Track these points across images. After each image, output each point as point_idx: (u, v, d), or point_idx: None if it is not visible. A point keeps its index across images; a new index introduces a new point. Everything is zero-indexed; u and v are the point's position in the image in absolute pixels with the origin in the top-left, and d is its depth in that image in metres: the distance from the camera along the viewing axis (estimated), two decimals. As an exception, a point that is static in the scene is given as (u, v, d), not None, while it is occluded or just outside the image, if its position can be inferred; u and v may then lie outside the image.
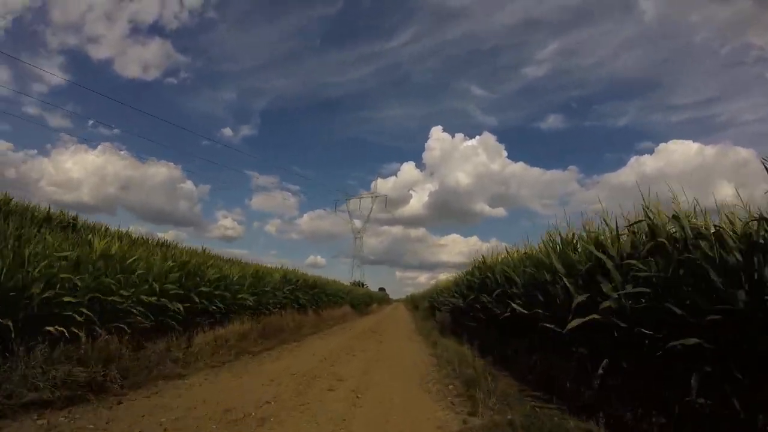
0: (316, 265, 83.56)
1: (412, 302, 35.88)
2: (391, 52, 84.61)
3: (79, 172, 65.42)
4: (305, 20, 78.46)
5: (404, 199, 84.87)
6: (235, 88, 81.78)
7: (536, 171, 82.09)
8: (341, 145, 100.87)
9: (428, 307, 20.01)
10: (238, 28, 73.60)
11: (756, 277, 2.67)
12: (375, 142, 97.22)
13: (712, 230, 3.07)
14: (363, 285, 52.79)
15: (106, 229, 10.34)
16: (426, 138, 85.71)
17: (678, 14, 61.38)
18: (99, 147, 66.20)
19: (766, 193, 2.79)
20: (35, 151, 70.67)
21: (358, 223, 61.36)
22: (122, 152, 66.98)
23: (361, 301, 28.08)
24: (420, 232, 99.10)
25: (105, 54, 67.21)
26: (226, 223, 75.66)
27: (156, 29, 66.99)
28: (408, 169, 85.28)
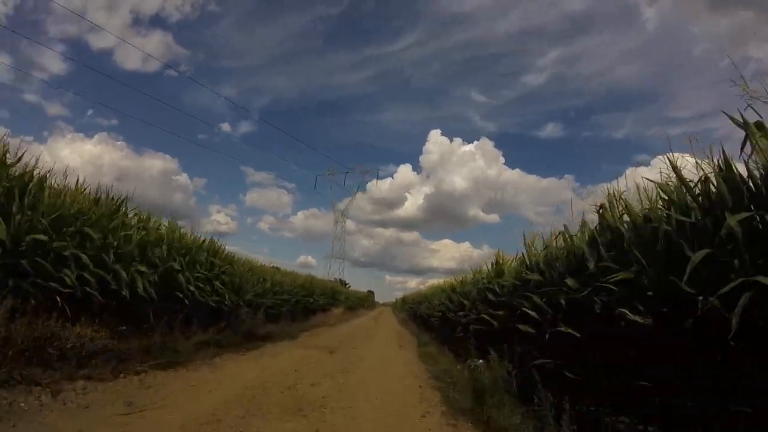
0: (306, 265, 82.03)
1: (405, 308, 28.12)
2: (394, 55, 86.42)
3: (75, 161, 63.35)
4: (308, 20, 79.24)
5: (399, 201, 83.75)
6: (235, 85, 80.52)
7: (532, 178, 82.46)
8: (340, 145, 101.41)
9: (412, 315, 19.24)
10: (240, 24, 73.82)
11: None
12: (374, 145, 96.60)
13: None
14: (346, 284, 46.95)
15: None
16: (424, 141, 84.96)
17: (678, 25, 60.79)
18: (96, 137, 66.66)
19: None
20: (31, 137, 68.42)
21: (342, 206, 55.07)
22: (119, 142, 67.41)
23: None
24: (413, 235, 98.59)
25: (106, 44, 66.39)
26: (220, 218, 74.23)
27: (158, 21, 65.66)
28: (404, 171, 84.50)
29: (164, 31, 68.60)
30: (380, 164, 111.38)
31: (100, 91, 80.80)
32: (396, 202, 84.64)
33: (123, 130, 77.30)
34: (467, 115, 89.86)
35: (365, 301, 46.89)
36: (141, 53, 64.86)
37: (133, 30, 63.10)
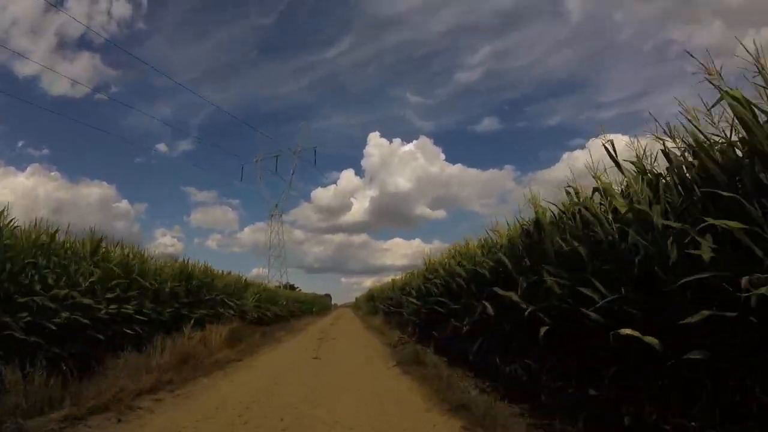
0: (261, 276, 77.77)
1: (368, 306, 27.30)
2: (328, 62, 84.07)
3: (7, 196, 54.37)
4: (240, 32, 75.39)
5: (345, 207, 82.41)
6: (170, 103, 74.67)
7: (474, 172, 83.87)
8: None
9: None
10: (170, 41, 68.08)
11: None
12: (316, 152, 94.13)
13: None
14: (294, 288, 41.12)
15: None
16: (365, 145, 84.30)
17: (602, 13, 65.46)
18: (28, 168, 59.45)
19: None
20: None
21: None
22: (53, 173, 61.31)
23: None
24: (362, 238, 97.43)
25: (31, 71, 58.96)
26: (166, 240, 68.73)
27: (84, 43, 59.22)
28: (348, 176, 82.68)
29: (92, 52, 61.80)
30: (324, 171, 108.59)
31: (29, 120, 71.52)
32: (342, 207, 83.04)
33: (56, 160, 71.11)
34: (405, 116, 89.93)
35: (317, 304, 37.26)
36: (68, 77, 57.15)
37: (59, 53, 56.45)
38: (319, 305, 39.35)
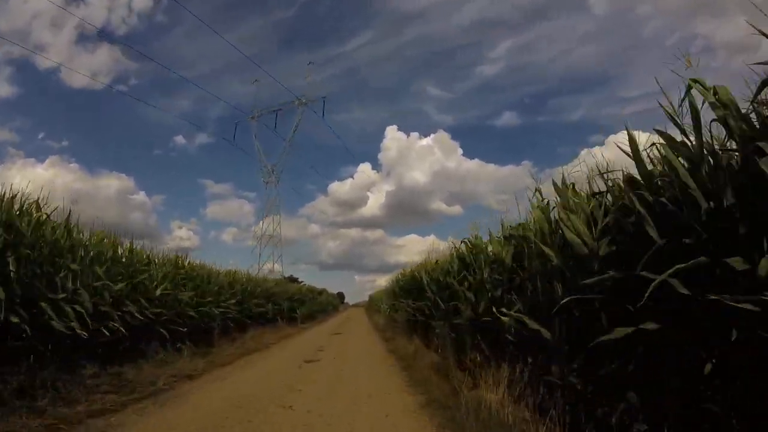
0: (274, 271, 77.21)
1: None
2: (349, 55, 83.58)
3: (27, 187, 54.36)
4: (260, 26, 76.22)
5: (362, 201, 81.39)
6: (189, 95, 74.56)
7: (491, 167, 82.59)
8: (299, 149, 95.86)
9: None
10: (190, 34, 69.46)
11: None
12: (332, 145, 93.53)
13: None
14: (297, 280, 33.16)
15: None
16: (382, 139, 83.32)
17: (626, 7, 64.30)
18: (48, 160, 61.47)
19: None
20: None
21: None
22: (72, 165, 62.60)
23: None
24: (378, 233, 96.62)
25: (51, 63, 62.62)
26: (182, 233, 68.72)
27: (104, 35, 60.24)
28: (365, 170, 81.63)
29: (111, 45, 63.84)
30: (341, 166, 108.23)
31: (51, 112, 71.92)
32: (358, 202, 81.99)
33: (75, 152, 71.56)
34: (424, 110, 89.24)
35: (316, 304, 27.80)
36: (88, 70, 57.48)
37: (79, 46, 56.28)
38: (318, 305, 28.30)
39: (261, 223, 39.42)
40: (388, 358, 8.44)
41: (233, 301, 11.36)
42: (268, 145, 58.14)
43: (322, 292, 33.04)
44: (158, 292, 7.44)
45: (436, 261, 7.90)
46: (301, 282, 32.50)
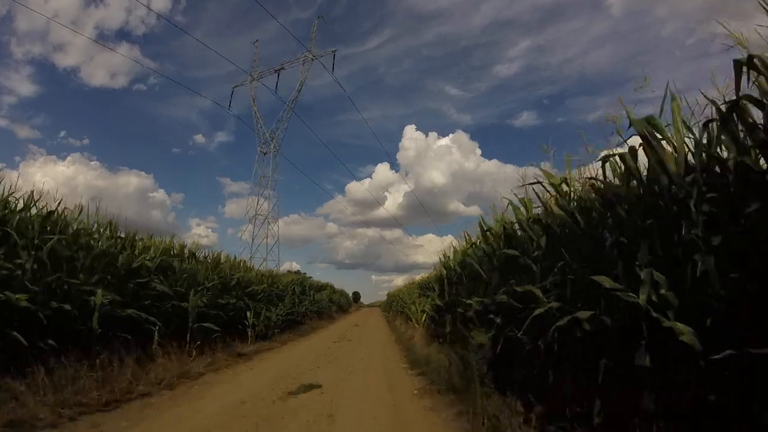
0: (291, 270, 77.62)
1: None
2: (367, 54, 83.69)
3: (48, 184, 56.83)
4: (279, 26, 77.93)
5: (380, 201, 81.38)
6: (208, 94, 76.18)
7: (510, 168, 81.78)
8: (318, 149, 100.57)
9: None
10: (209, 34, 70.74)
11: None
12: (352, 145, 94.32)
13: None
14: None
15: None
16: (400, 138, 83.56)
17: (644, 8, 64.19)
18: (69, 158, 61.96)
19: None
20: (3, 165, 61.97)
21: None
22: (93, 162, 63.51)
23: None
24: (396, 233, 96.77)
25: (71, 62, 61.22)
26: (200, 231, 69.58)
27: (123, 35, 60.49)
28: (383, 170, 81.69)
29: (130, 44, 62.56)
30: (360, 165, 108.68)
31: (72, 111, 73.52)
32: (376, 202, 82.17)
33: (96, 149, 72.45)
34: (442, 109, 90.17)
35: (332, 304, 23.90)
36: (108, 68, 59.68)
37: (98, 46, 58.49)
38: (313, 305, 18.22)
39: (257, 199, 31.10)
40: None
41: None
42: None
43: (324, 287, 24.73)
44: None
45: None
46: (303, 273, 26.00)
